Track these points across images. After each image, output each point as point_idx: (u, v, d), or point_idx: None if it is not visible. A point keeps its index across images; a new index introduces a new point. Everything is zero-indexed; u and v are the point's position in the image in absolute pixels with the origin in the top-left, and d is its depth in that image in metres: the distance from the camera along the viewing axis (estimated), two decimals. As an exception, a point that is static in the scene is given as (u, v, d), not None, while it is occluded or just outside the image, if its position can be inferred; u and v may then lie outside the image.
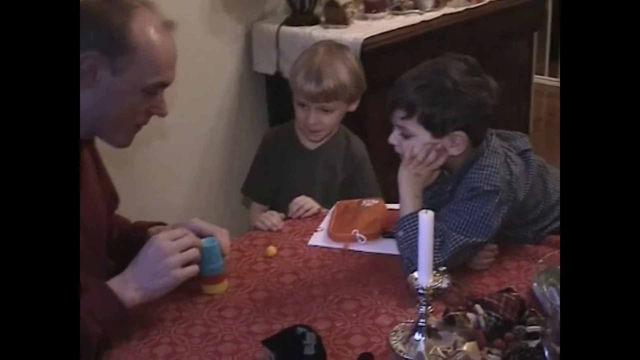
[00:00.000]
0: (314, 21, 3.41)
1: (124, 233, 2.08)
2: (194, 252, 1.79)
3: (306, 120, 2.52)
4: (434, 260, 1.67)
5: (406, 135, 1.94)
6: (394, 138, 1.97)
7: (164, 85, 1.81)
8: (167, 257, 1.74)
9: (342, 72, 2.48)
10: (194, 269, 1.78)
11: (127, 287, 1.72)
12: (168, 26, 1.80)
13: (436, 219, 1.75)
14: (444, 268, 1.75)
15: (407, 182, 1.96)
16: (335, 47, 2.58)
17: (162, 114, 1.86)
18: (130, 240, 2.01)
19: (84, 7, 1.63)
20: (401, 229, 1.92)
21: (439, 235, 1.86)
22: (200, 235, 1.91)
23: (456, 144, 1.92)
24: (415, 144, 1.93)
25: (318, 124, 2.52)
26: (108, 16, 1.70)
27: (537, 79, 5.24)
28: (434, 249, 1.73)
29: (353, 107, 2.58)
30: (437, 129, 1.90)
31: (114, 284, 1.73)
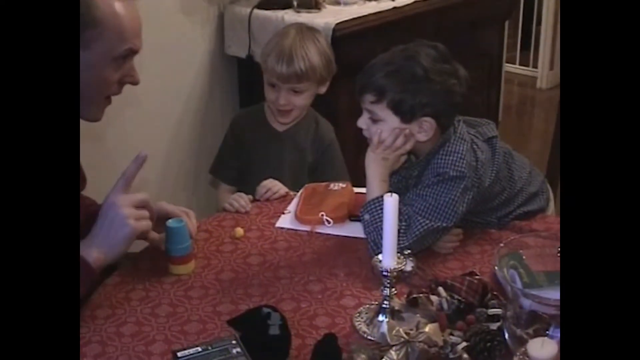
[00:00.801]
0: (286, 5, 3.40)
1: (91, 214, 2.08)
2: (146, 212, 1.80)
3: (276, 101, 2.53)
4: (399, 244, 1.69)
5: (375, 120, 1.96)
6: (363, 122, 1.99)
7: (133, 52, 1.83)
8: (121, 208, 1.75)
9: (313, 54, 2.50)
10: (148, 223, 1.80)
11: (90, 249, 1.72)
12: None
13: (402, 203, 1.78)
14: (409, 251, 1.78)
15: (375, 166, 1.98)
16: (307, 29, 2.59)
17: (135, 82, 1.87)
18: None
19: None
20: (367, 212, 1.94)
21: (405, 219, 1.88)
22: (167, 217, 1.93)
23: (424, 130, 1.94)
24: (383, 128, 1.94)
25: (288, 105, 2.53)
26: None
27: (507, 67, 5.27)
28: (400, 232, 1.75)
29: (323, 90, 2.60)
30: (406, 114, 1.92)
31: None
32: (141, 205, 1.80)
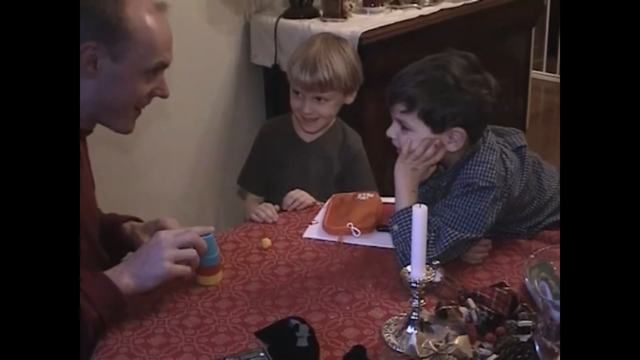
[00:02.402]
0: (313, 14, 3.41)
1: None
2: (191, 252, 1.80)
3: (301, 109, 2.53)
4: (428, 255, 1.68)
5: (405, 129, 1.94)
6: (392, 131, 1.97)
7: (164, 65, 1.84)
8: (163, 249, 1.75)
9: (338, 63, 2.49)
10: (186, 269, 1.79)
11: (123, 274, 1.74)
12: (161, 8, 1.83)
13: (431, 213, 1.77)
14: (437, 262, 1.76)
15: (404, 176, 1.97)
16: (332, 39, 2.58)
17: (164, 95, 1.89)
18: (103, 232, 2.01)
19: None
20: (396, 222, 1.92)
21: (434, 230, 1.87)
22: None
23: (454, 140, 1.92)
24: (413, 138, 1.93)
25: (313, 113, 2.53)
26: (101, 4, 1.72)
27: (534, 74, 5.23)
28: (428, 243, 1.74)
29: (350, 100, 2.58)
30: (437, 124, 1.90)
31: (110, 272, 1.75)
32: (188, 246, 1.81)
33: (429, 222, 1.64)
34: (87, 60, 1.73)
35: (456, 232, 1.87)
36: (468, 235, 1.87)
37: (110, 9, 1.72)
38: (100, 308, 1.68)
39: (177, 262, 1.77)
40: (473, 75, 1.90)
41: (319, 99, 2.51)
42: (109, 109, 1.81)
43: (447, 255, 1.87)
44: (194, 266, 1.82)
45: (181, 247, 1.79)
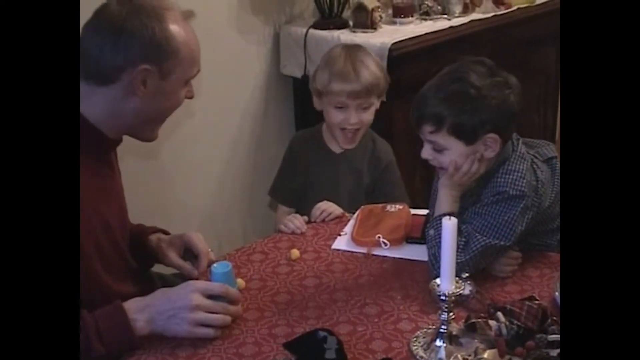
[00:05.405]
0: (342, 25, 3.40)
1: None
2: (221, 319, 1.74)
3: (346, 122, 2.51)
4: (457, 260, 1.66)
5: (438, 150, 1.93)
6: (427, 153, 1.95)
7: (198, 72, 1.87)
8: (190, 311, 1.70)
9: (373, 66, 2.50)
10: (209, 332, 1.73)
11: (142, 314, 1.70)
12: (188, 16, 1.86)
13: (462, 221, 1.76)
14: (467, 275, 1.75)
15: (450, 188, 1.94)
16: (354, 46, 2.59)
17: (192, 97, 1.91)
18: (131, 243, 2.01)
19: (121, 23, 1.70)
20: (433, 227, 1.92)
21: (464, 236, 1.86)
22: (190, 249, 1.98)
23: (490, 146, 1.90)
24: (451, 157, 1.91)
25: (358, 123, 2.52)
26: (149, 28, 1.74)
27: (565, 86, 5.19)
28: (458, 248, 1.74)
29: (378, 104, 2.57)
30: (469, 136, 1.88)
31: (132, 307, 1.70)
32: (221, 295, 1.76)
33: (459, 229, 1.63)
34: (139, 82, 1.75)
35: (485, 239, 1.86)
36: (497, 242, 1.87)
37: (158, 29, 1.74)
38: (109, 346, 1.65)
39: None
40: (492, 79, 1.89)
41: (363, 107, 2.50)
42: (149, 120, 1.84)
43: (476, 262, 1.87)
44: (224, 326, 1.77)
45: (211, 309, 1.74)
